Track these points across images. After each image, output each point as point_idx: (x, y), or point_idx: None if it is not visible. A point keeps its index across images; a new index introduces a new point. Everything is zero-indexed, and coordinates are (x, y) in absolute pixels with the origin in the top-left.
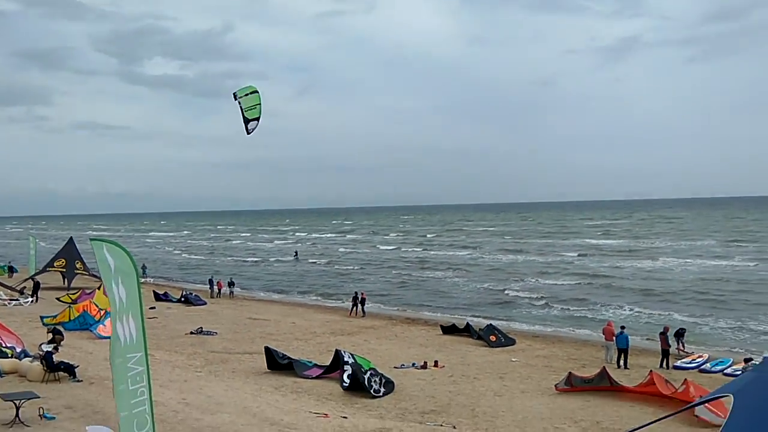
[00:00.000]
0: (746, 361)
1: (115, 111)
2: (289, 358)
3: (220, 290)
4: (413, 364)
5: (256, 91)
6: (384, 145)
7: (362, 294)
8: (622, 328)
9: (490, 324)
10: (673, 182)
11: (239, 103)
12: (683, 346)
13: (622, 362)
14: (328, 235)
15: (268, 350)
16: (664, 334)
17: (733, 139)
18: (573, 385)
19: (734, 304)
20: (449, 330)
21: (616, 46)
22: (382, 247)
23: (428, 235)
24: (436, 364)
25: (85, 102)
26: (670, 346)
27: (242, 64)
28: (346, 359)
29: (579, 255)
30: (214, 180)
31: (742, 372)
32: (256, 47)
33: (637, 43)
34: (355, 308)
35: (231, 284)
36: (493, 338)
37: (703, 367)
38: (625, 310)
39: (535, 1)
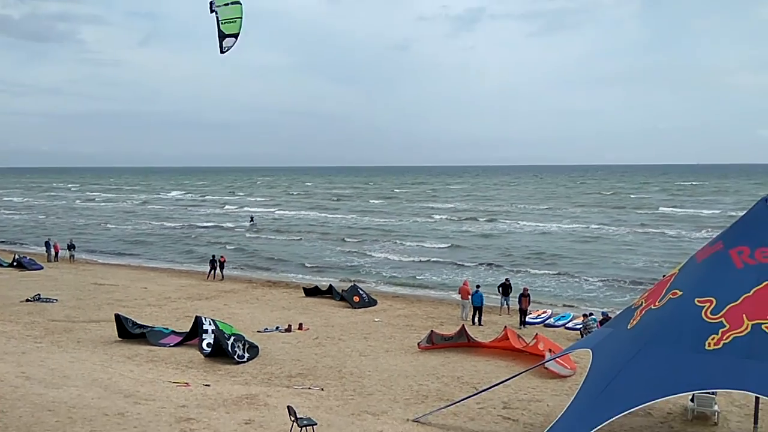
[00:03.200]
0: (585, 316)
1: None
2: (141, 326)
3: (57, 253)
4: (277, 328)
5: (239, 2)
6: (237, 102)
7: (221, 257)
8: (477, 287)
9: (354, 284)
10: (515, 150)
11: (215, 13)
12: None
13: (476, 319)
14: (171, 194)
15: (118, 318)
16: (525, 295)
17: (567, 110)
18: (434, 342)
19: (565, 262)
20: (312, 292)
21: (466, 16)
22: (231, 208)
23: (281, 198)
24: (300, 326)
25: None
26: (529, 305)
27: (77, 5)
28: (206, 326)
29: (425, 218)
30: (45, 133)
31: (582, 326)
32: None
33: (483, 15)
34: (213, 272)
35: (71, 247)
36: (356, 299)
37: (547, 321)
38: (477, 269)
39: None
